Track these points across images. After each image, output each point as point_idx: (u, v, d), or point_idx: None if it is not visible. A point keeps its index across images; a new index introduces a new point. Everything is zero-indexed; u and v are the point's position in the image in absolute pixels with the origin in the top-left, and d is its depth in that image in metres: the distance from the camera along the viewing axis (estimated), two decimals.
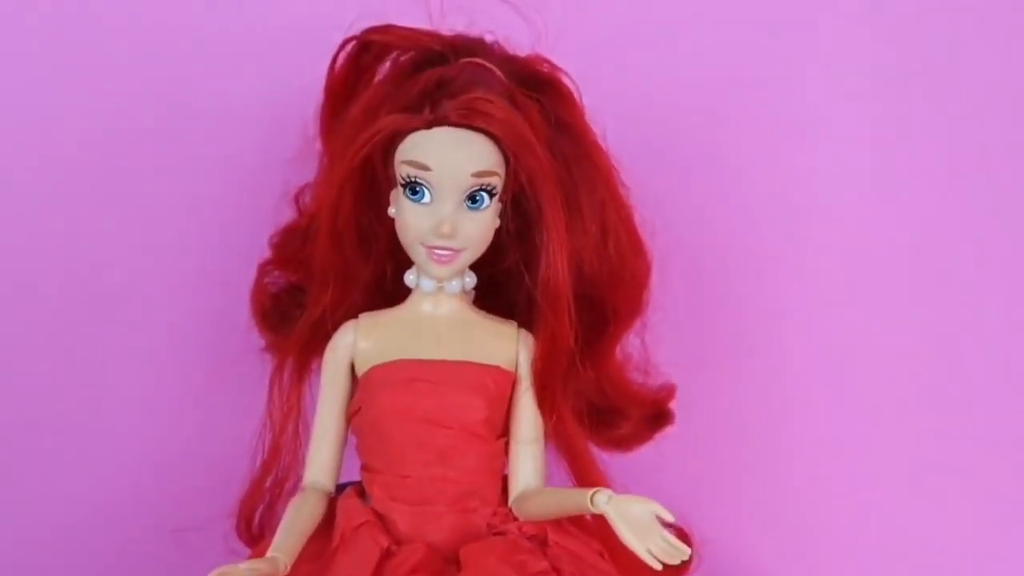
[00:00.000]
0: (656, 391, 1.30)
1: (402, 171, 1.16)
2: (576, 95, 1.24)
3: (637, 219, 1.26)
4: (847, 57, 1.55)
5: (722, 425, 1.55)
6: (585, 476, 1.25)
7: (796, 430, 1.57)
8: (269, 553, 1.11)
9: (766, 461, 1.57)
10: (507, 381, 1.20)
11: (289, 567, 1.11)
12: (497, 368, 1.20)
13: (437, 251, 1.16)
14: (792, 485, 1.57)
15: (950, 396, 1.57)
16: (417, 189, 1.15)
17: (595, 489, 1.11)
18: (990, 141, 1.56)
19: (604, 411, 1.26)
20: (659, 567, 1.07)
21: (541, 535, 1.19)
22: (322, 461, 1.21)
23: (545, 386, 1.19)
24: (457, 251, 1.16)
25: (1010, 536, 1.58)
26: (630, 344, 1.30)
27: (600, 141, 1.24)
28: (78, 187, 1.47)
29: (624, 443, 1.28)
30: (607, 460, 1.27)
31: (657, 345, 1.30)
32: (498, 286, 1.24)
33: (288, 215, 1.30)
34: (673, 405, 1.31)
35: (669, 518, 1.09)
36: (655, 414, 1.29)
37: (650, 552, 1.07)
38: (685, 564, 1.22)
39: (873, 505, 1.57)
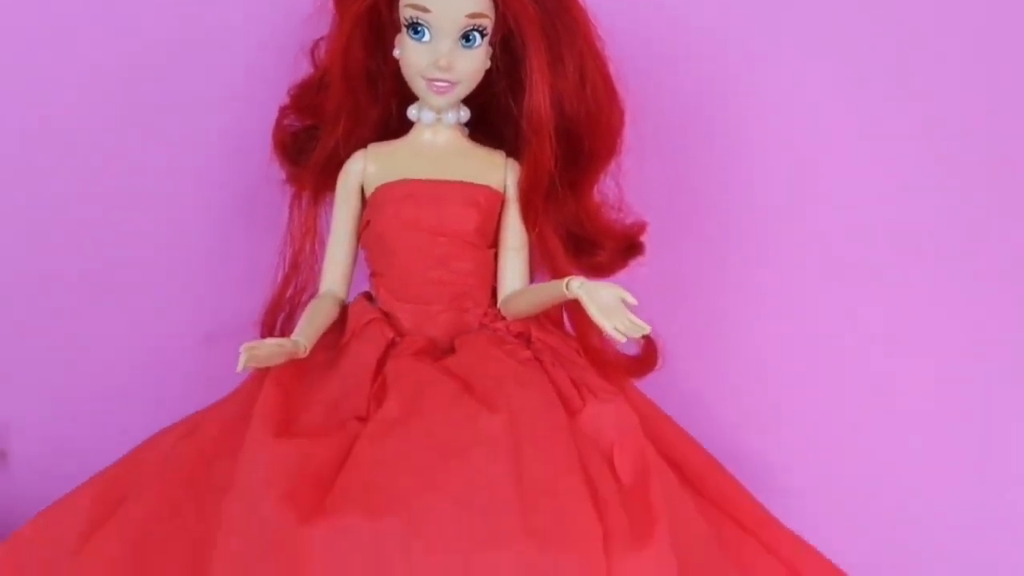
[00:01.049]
0: (629, 226, 1.47)
1: (405, 13, 1.33)
2: None
3: (612, 71, 1.44)
4: None
5: (692, 265, 1.71)
6: None
7: (767, 267, 1.70)
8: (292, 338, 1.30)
9: (732, 295, 1.72)
10: (496, 199, 1.38)
11: (308, 350, 1.30)
12: (487, 187, 1.38)
13: (436, 83, 1.34)
14: (762, 328, 1.71)
15: (920, 237, 1.69)
16: (418, 29, 1.33)
17: (569, 277, 1.29)
18: None
19: (583, 241, 1.43)
20: (623, 340, 1.24)
21: (526, 332, 1.37)
22: (335, 272, 1.40)
23: (528, 202, 1.37)
24: (453, 83, 1.34)
25: (979, 382, 1.72)
26: (607, 187, 1.48)
27: None
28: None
29: (602, 270, 1.44)
30: None
31: (630, 188, 1.48)
32: (489, 123, 1.42)
33: (305, 69, 1.47)
34: (644, 239, 1.49)
35: (632, 301, 1.25)
36: (628, 245, 1.46)
37: (616, 329, 1.24)
38: (649, 363, 1.41)
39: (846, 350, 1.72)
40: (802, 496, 1.66)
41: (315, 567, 1.13)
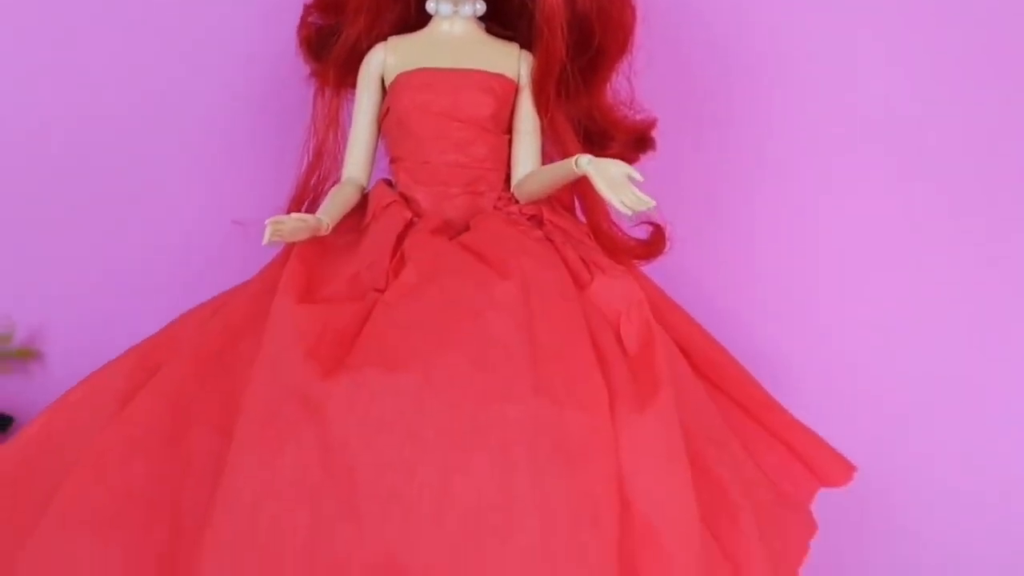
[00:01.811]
0: (640, 121, 1.53)
1: None
2: None
3: None
4: None
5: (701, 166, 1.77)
6: None
7: (778, 169, 1.75)
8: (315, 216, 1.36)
9: (742, 190, 1.77)
10: (510, 87, 1.44)
11: (330, 228, 1.37)
12: (502, 76, 1.44)
13: None
14: (774, 224, 1.76)
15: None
16: None
17: (579, 155, 1.34)
18: None
19: (595, 134, 1.49)
20: (629, 213, 1.30)
21: (538, 215, 1.43)
22: (357, 159, 1.46)
23: (541, 89, 1.43)
24: None
25: (988, 282, 1.76)
26: (619, 85, 1.54)
27: None
28: None
29: None
30: None
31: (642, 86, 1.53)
32: (504, 16, 1.48)
33: None
34: (655, 134, 1.54)
35: (639, 178, 1.31)
36: (639, 139, 1.52)
37: (622, 202, 1.30)
38: (656, 247, 1.47)
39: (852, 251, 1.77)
40: (807, 394, 1.71)
41: (335, 418, 1.20)
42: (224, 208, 1.63)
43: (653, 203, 1.30)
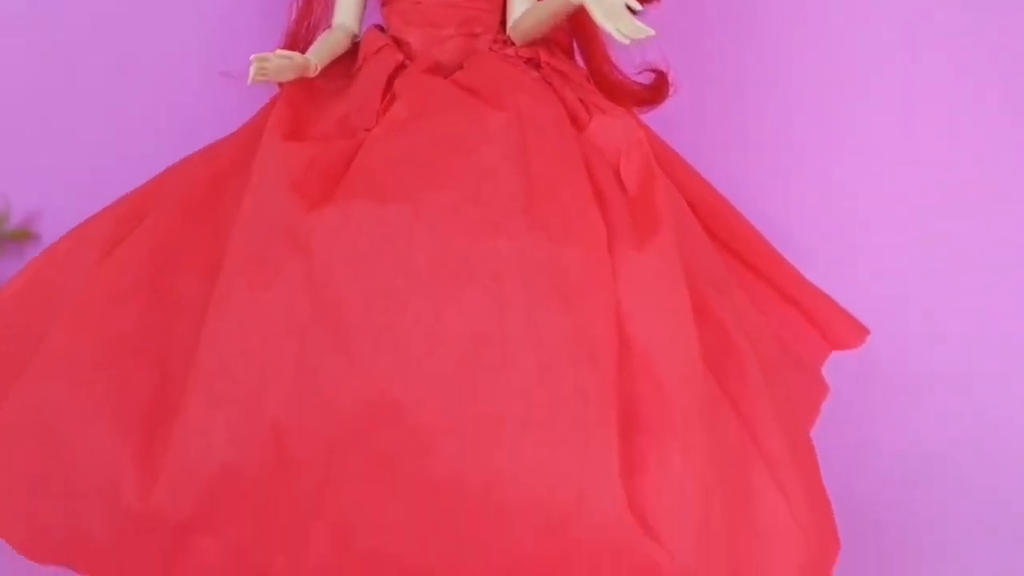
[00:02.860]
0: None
1: None
2: None
3: None
4: None
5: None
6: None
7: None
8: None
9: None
10: None
11: (318, 69, 1.32)
12: None
13: None
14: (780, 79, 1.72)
15: None
16: None
17: None
18: None
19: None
20: (626, 42, 1.24)
21: (535, 58, 1.37)
22: (347, 5, 1.41)
23: None
24: None
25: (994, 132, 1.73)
26: None
27: None
28: None
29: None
30: None
31: None
32: None
33: None
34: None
35: (638, 8, 1.26)
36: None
37: (619, 31, 1.24)
38: (659, 92, 1.41)
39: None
40: (813, 254, 1.66)
41: (322, 251, 1.16)
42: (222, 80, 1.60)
43: (652, 32, 1.25)
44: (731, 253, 1.44)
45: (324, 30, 1.43)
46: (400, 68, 1.34)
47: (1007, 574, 1.48)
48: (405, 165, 1.19)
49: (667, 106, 1.43)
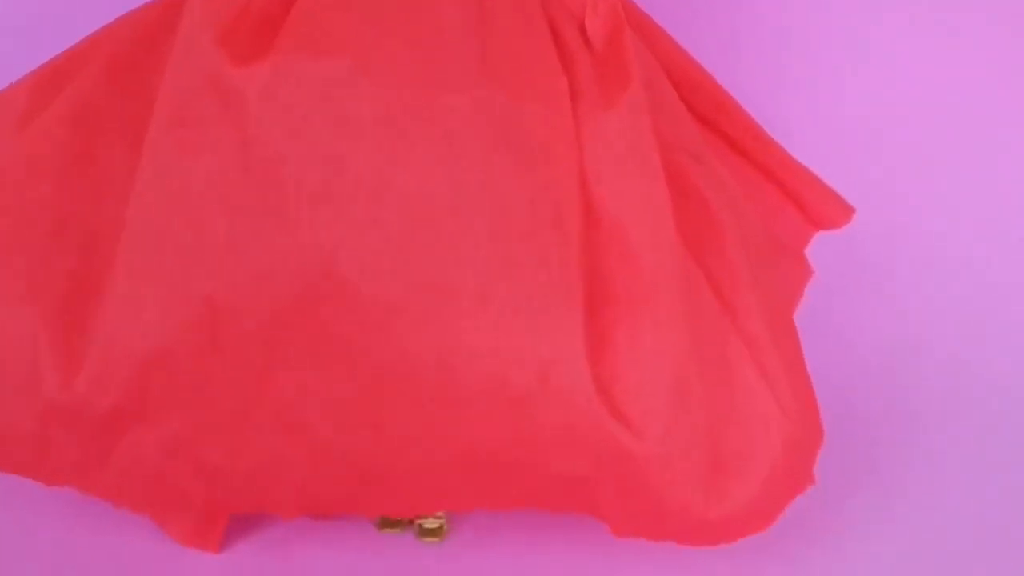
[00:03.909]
0: None
1: None
2: None
3: None
4: None
5: None
6: None
7: None
8: None
9: None
10: None
11: None
12: None
13: None
14: None
15: None
16: None
17: None
18: None
19: None
20: None
21: None
22: None
23: None
24: None
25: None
26: None
27: None
28: None
29: None
30: None
31: None
32: None
33: None
34: None
35: None
36: None
37: None
38: None
39: None
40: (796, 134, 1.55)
41: (255, 109, 1.05)
42: None
43: None
44: (711, 129, 1.34)
45: None
46: None
47: (1001, 466, 1.39)
48: (348, 11, 1.08)
49: None
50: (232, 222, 1.04)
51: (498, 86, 1.07)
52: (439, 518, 1.22)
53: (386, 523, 1.22)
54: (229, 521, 1.19)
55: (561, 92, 1.09)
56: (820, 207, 1.40)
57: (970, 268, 1.64)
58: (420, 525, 1.22)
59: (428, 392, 1.04)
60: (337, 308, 1.04)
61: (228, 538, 1.20)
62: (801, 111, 1.64)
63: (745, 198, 1.29)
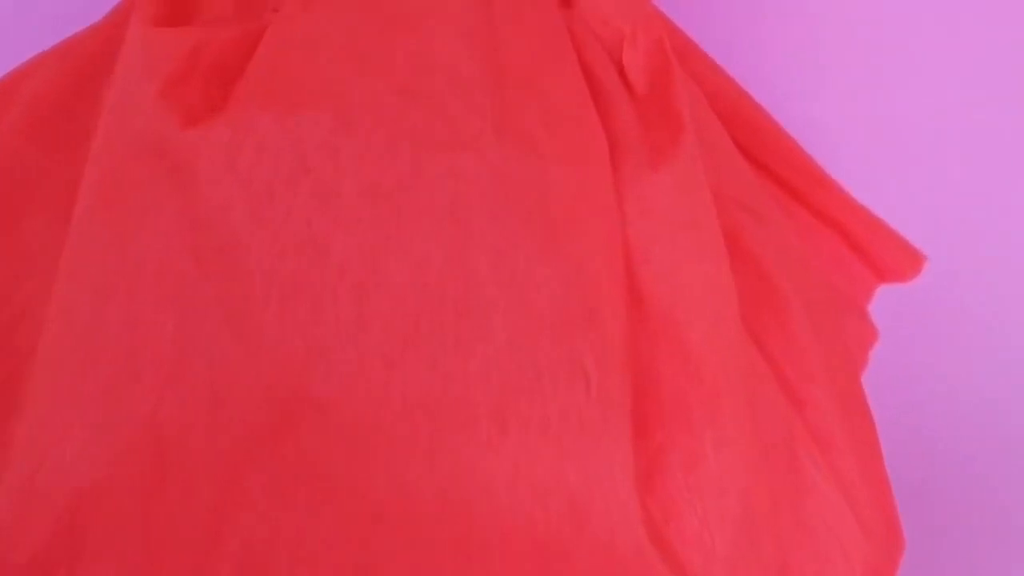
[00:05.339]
0: None
1: None
2: None
3: None
4: None
5: None
6: None
7: None
8: None
9: None
10: None
11: None
12: None
13: None
14: None
15: None
16: None
17: None
18: None
19: None
20: None
21: None
22: None
23: None
24: None
25: None
26: None
27: None
28: None
29: None
30: None
31: None
32: None
33: None
34: None
35: None
36: None
37: None
38: None
39: None
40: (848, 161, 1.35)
41: (209, 181, 0.83)
42: None
43: None
44: (765, 172, 1.14)
45: None
46: None
47: None
48: (323, 51, 0.86)
49: None
50: (180, 324, 0.82)
51: (516, 143, 0.85)
52: None
53: None
54: None
55: (597, 150, 0.87)
56: (887, 257, 1.22)
57: None
58: None
59: (429, 537, 0.83)
60: (312, 434, 0.82)
61: None
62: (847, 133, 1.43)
63: (809, 255, 1.10)
